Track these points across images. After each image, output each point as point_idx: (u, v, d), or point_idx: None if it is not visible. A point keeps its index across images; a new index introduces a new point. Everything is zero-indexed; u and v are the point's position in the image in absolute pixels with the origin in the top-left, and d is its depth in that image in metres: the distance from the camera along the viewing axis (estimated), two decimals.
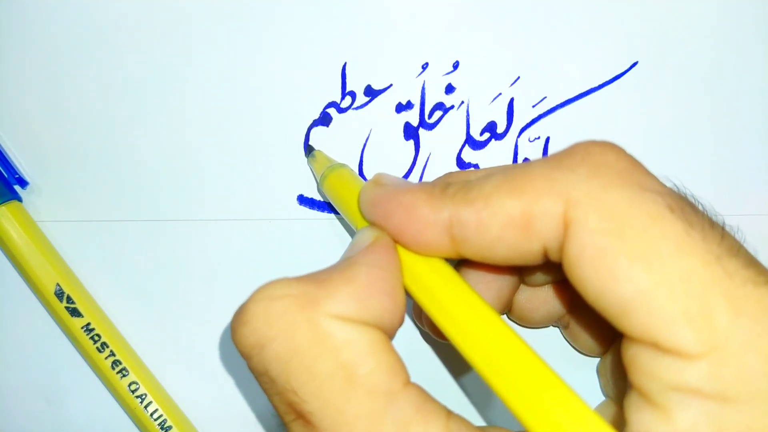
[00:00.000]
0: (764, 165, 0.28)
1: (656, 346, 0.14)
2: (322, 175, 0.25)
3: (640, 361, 0.15)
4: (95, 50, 0.28)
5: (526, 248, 0.16)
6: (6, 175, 0.28)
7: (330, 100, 0.28)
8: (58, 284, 0.27)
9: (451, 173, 0.23)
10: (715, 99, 0.28)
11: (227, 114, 0.28)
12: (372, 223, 0.19)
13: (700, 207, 0.16)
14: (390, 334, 0.17)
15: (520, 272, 0.22)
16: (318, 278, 0.17)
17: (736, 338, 0.14)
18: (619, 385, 0.23)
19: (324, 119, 0.28)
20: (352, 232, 0.28)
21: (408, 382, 0.16)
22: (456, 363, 0.27)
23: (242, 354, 0.17)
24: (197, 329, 0.28)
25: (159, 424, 0.27)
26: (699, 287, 0.14)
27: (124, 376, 0.27)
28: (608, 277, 0.15)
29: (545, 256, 0.16)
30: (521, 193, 0.16)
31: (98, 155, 0.28)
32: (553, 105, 0.28)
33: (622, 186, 0.15)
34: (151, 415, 0.27)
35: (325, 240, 0.28)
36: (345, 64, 0.28)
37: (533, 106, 0.28)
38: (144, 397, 0.27)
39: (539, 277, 0.22)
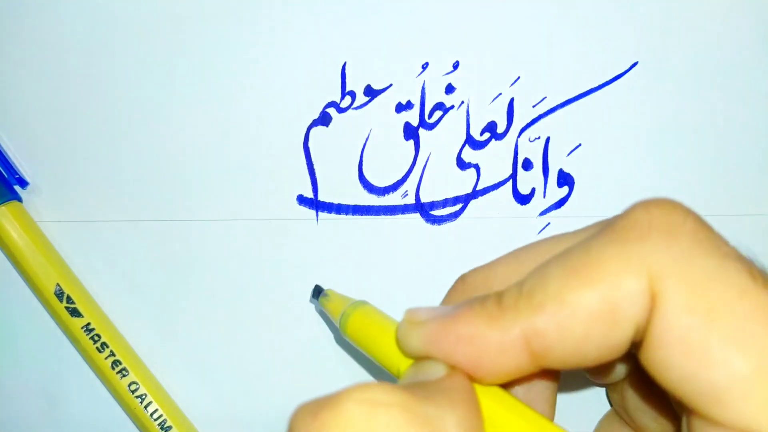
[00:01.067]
0: (764, 165, 0.28)
1: None
2: (343, 315, 0.22)
3: None
4: (95, 50, 0.28)
5: (616, 339, 0.15)
6: (6, 175, 0.28)
7: (330, 100, 0.28)
8: (58, 284, 0.27)
9: (465, 276, 0.20)
10: (715, 99, 0.28)
11: (227, 114, 0.28)
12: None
13: (762, 268, 0.15)
14: None
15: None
16: (419, 394, 0.14)
17: None
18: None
19: (324, 119, 0.28)
20: (354, 239, 0.28)
21: None
22: None
23: None
24: (197, 329, 0.28)
25: (159, 424, 0.27)
26: None
27: (124, 376, 0.27)
28: (698, 361, 0.13)
29: (633, 343, 0.15)
30: (596, 280, 0.14)
31: (98, 155, 0.28)
32: (553, 105, 0.28)
33: (703, 254, 0.14)
34: (151, 415, 0.27)
35: (324, 240, 0.28)
36: (345, 64, 0.28)
37: (533, 106, 0.28)
38: (144, 397, 0.27)
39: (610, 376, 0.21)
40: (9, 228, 0.27)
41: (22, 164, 0.28)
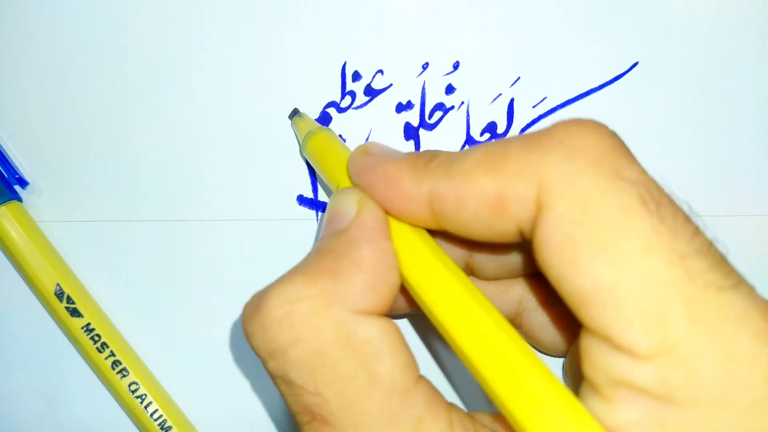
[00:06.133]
0: (764, 165, 0.28)
1: (609, 341, 0.14)
2: (304, 137, 0.25)
3: (592, 353, 0.15)
4: (95, 50, 0.28)
5: (500, 228, 0.16)
6: (6, 175, 0.28)
7: (330, 100, 0.28)
8: (58, 284, 0.27)
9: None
10: (715, 99, 0.28)
11: (227, 114, 0.28)
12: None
13: (676, 202, 0.15)
14: (390, 310, 0.17)
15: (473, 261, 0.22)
16: (328, 269, 0.17)
17: (688, 343, 0.13)
18: (576, 381, 0.23)
19: (324, 119, 0.28)
20: None
21: (419, 377, 0.16)
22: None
23: (259, 356, 0.17)
24: (197, 329, 0.28)
25: (159, 424, 0.27)
26: (658, 288, 0.14)
27: (124, 376, 0.27)
28: (570, 267, 0.14)
29: (521, 236, 0.16)
30: (496, 172, 0.16)
31: (98, 155, 0.28)
32: (553, 105, 0.28)
33: (596, 173, 0.15)
34: (151, 415, 0.27)
35: None
36: (345, 64, 0.28)
37: (533, 107, 0.28)
38: (144, 397, 0.27)
39: (491, 269, 0.22)
40: (9, 228, 0.27)
41: (22, 164, 0.28)
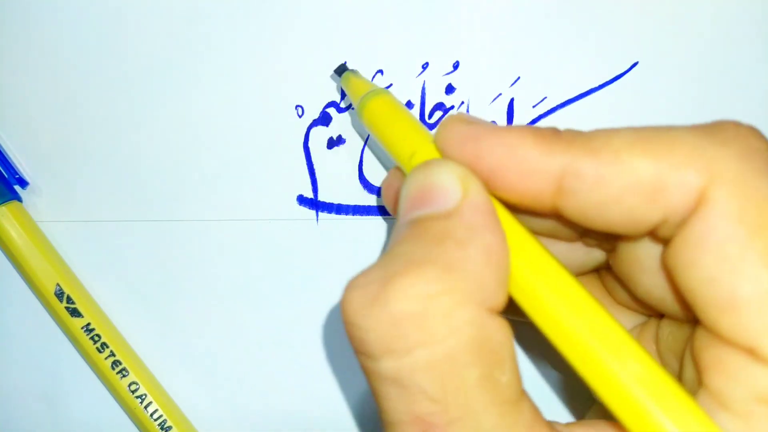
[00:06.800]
0: None
1: (752, 353, 0.13)
2: (361, 99, 0.22)
3: (726, 364, 0.14)
4: (95, 50, 0.28)
5: (643, 217, 0.15)
6: (6, 175, 0.28)
7: (330, 100, 0.28)
8: (58, 284, 0.27)
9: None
10: (715, 99, 0.28)
11: (227, 114, 0.28)
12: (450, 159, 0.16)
13: None
14: None
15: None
16: (457, 259, 0.14)
17: None
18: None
19: (324, 119, 0.28)
20: (354, 239, 0.28)
21: (523, 389, 0.15)
22: None
23: (369, 353, 0.14)
24: (197, 329, 0.28)
25: (159, 424, 0.27)
26: None
27: (124, 376, 0.27)
28: (728, 268, 0.13)
29: (654, 229, 0.15)
30: (660, 156, 0.14)
31: (98, 155, 0.28)
32: (553, 105, 0.28)
33: None
34: (151, 415, 0.27)
35: (324, 240, 0.28)
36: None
37: (533, 107, 0.28)
38: (144, 397, 0.27)
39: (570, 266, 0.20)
40: (9, 228, 0.27)
41: (22, 164, 0.28)
